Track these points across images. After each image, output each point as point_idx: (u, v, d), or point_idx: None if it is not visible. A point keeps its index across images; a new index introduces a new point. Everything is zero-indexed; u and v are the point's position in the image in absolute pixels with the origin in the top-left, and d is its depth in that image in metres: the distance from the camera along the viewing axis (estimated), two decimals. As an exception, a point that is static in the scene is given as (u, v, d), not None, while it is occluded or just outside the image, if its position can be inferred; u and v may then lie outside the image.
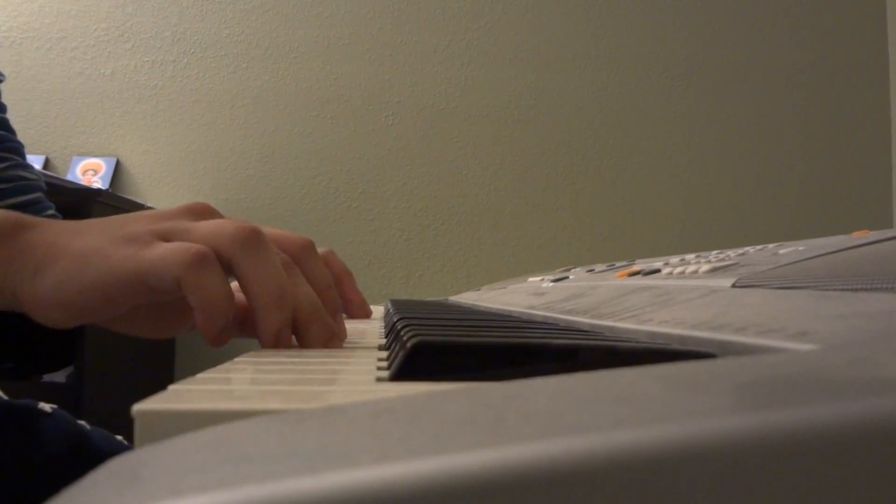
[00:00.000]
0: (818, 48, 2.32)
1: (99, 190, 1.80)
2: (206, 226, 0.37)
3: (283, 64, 2.27)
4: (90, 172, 2.20)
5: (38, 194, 0.83)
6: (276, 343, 0.37)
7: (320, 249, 0.48)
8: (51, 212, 0.84)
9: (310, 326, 0.38)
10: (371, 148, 2.26)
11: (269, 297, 0.36)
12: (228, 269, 0.37)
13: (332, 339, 0.39)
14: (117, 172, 2.23)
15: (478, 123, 2.28)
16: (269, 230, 0.41)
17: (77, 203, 1.64)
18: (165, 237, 0.37)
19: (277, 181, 2.24)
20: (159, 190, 2.24)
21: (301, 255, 0.42)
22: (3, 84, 0.84)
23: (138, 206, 1.96)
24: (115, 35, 2.27)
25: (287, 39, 2.28)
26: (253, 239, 0.37)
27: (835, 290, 0.28)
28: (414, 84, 2.28)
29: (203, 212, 0.40)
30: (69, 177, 2.16)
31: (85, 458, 0.68)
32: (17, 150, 0.84)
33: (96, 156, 2.23)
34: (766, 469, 0.11)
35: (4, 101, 0.85)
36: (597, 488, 0.11)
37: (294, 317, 0.38)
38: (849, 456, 0.11)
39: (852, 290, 0.27)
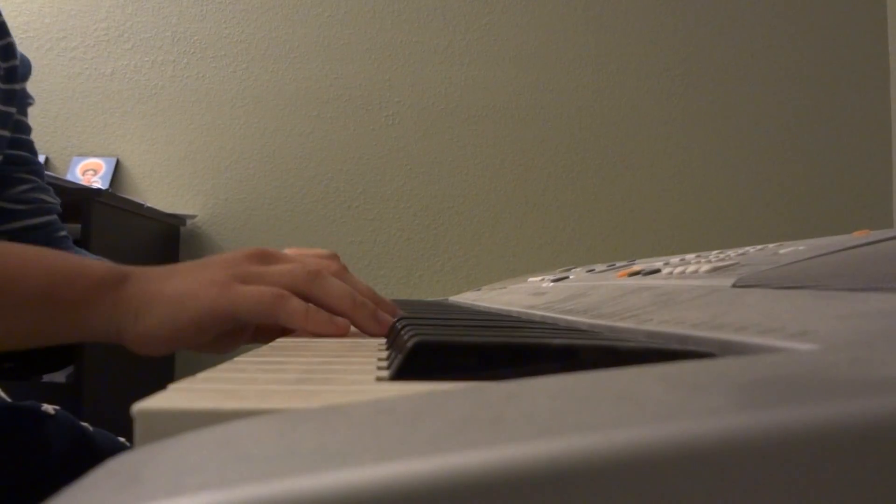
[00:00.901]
0: (818, 48, 2.32)
1: (99, 190, 1.80)
2: (278, 269, 0.48)
3: (283, 64, 2.27)
4: (90, 172, 2.20)
5: (54, 216, 0.87)
6: (378, 325, 0.47)
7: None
8: (63, 233, 0.88)
9: (378, 305, 0.49)
10: (371, 148, 2.26)
11: (349, 303, 0.47)
12: (309, 300, 0.47)
13: (379, 314, 0.49)
14: (117, 172, 2.23)
15: (478, 123, 2.28)
16: (297, 251, 0.52)
17: (77, 203, 1.64)
18: (244, 280, 0.46)
19: (277, 181, 2.24)
20: (159, 190, 2.24)
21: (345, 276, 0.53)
22: (29, 105, 0.86)
23: (138, 207, 1.96)
24: (115, 35, 2.27)
25: (287, 39, 2.28)
26: (316, 274, 0.48)
27: (835, 290, 0.28)
28: (414, 84, 2.28)
29: (266, 256, 0.50)
30: (69, 177, 2.15)
31: (88, 459, 0.68)
32: (39, 172, 0.88)
33: (96, 156, 2.23)
34: (766, 468, 0.11)
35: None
36: (597, 487, 0.11)
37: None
38: (849, 455, 0.11)
39: (852, 290, 0.27)
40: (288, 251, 0.58)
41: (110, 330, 0.47)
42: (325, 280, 0.47)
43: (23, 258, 0.49)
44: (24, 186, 0.84)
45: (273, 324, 0.55)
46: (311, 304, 0.46)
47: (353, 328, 0.50)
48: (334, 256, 0.60)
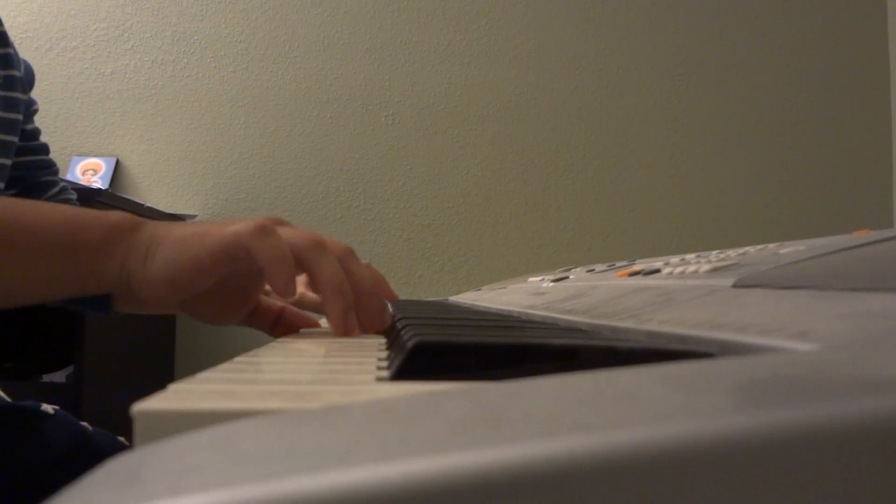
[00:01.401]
0: (818, 48, 2.32)
1: (99, 190, 1.80)
2: (285, 230, 0.47)
3: (283, 64, 2.27)
4: (90, 172, 2.20)
5: None
6: (344, 324, 0.46)
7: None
8: None
9: (367, 297, 0.48)
10: (371, 148, 2.26)
11: (333, 286, 0.46)
12: (301, 267, 0.47)
13: (385, 312, 0.49)
14: (117, 172, 2.23)
15: (478, 123, 2.28)
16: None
17: (77, 203, 1.64)
18: (246, 223, 0.46)
19: (277, 181, 2.24)
20: (159, 190, 2.24)
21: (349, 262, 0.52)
22: (35, 112, 0.90)
23: (138, 206, 1.96)
24: (115, 35, 2.27)
25: (287, 39, 2.28)
26: (319, 245, 0.47)
27: (835, 290, 0.28)
28: (414, 84, 2.28)
29: (279, 221, 0.49)
30: (69, 177, 2.15)
31: (88, 458, 0.68)
32: (57, 172, 0.92)
33: (96, 155, 2.23)
34: (766, 468, 0.11)
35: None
36: (597, 488, 0.11)
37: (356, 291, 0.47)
38: (849, 455, 0.11)
39: (852, 290, 0.27)
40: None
41: (122, 276, 0.48)
42: (325, 255, 0.47)
43: (40, 208, 0.51)
44: (53, 190, 0.89)
45: (268, 303, 0.56)
46: (288, 252, 0.45)
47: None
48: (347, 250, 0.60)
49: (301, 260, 0.47)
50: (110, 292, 0.50)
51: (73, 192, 0.92)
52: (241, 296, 0.55)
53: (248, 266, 0.47)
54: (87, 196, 1.70)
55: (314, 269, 0.47)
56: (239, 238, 0.45)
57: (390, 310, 0.52)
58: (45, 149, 0.90)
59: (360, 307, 0.48)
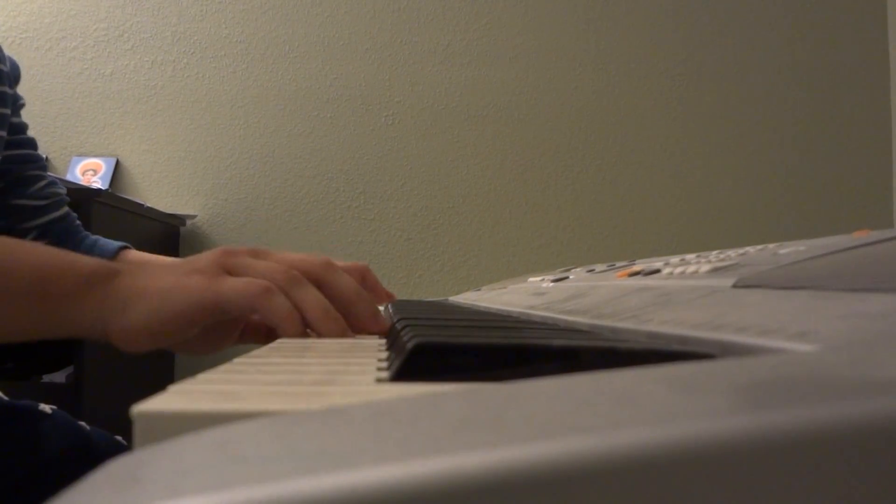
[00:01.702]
0: (818, 48, 2.32)
1: (98, 190, 1.80)
2: (262, 265, 0.48)
3: (283, 64, 2.27)
4: (90, 172, 2.20)
5: (67, 208, 0.92)
6: (335, 327, 0.47)
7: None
8: (77, 222, 0.93)
9: (356, 308, 0.49)
10: (371, 148, 2.26)
11: (318, 315, 0.46)
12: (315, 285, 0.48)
13: (378, 315, 0.50)
14: (117, 172, 2.23)
15: (478, 123, 2.28)
16: (291, 255, 0.52)
17: (77, 203, 1.64)
18: (230, 272, 0.47)
19: (277, 181, 2.24)
20: (159, 190, 2.24)
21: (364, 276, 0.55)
22: (21, 106, 0.90)
23: (138, 206, 1.96)
24: (115, 35, 2.27)
25: (287, 39, 2.28)
26: (294, 277, 0.47)
27: (835, 290, 0.28)
28: (414, 84, 2.28)
29: (257, 253, 0.50)
30: (69, 177, 2.15)
31: (85, 458, 0.68)
32: (45, 167, 0.92)
33: (96, 156, 2.23)
34: (766, 469, 0.11)
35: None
36: (597, 489, 0.11)
37: (340, 306, 0.48)
38: (849, 456, 0.11)
39: (852, 290, 0.27)
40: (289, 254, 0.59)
41: (97, 325, 0.47)
42: (301, 285, 0.47)
43: (13, 253, 0.49)
44: (41, 183, 0.89)
45: (257, 320, 0.56)
46: (293, 308, 0.46)
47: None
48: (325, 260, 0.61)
49: (315, 279, 0.48)
50: (86, 338, 0.49)
51: (62, 186, 0.92)
52: (226, 328, 0.55)
53: (243, 315, 0.48)
54: (87, 196, 1.70)
55: (298, 303, 0.47)
56: (240, 298, 0.45)
57: (383, 310, 0.53)
58: (31, 143, 0.90)
59: (349, 316, 0.49)
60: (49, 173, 0.92)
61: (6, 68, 0.82)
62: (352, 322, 0.49)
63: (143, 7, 2.27)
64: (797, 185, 2.29)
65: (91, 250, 0.86)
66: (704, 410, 0.12)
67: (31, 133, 0.91)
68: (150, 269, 0.49)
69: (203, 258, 0.48)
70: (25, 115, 0.93)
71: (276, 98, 2.26)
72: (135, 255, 0.87)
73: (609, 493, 0.11)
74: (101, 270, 0.48)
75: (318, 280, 0.49)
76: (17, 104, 0.87)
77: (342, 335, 0.47)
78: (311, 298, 0.47)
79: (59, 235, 0.88)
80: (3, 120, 0.81)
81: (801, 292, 0.30)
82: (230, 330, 0.56)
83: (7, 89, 0.82)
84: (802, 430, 0.11)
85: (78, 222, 0.92)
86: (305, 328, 0.47)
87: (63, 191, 0.91)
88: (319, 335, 0.47)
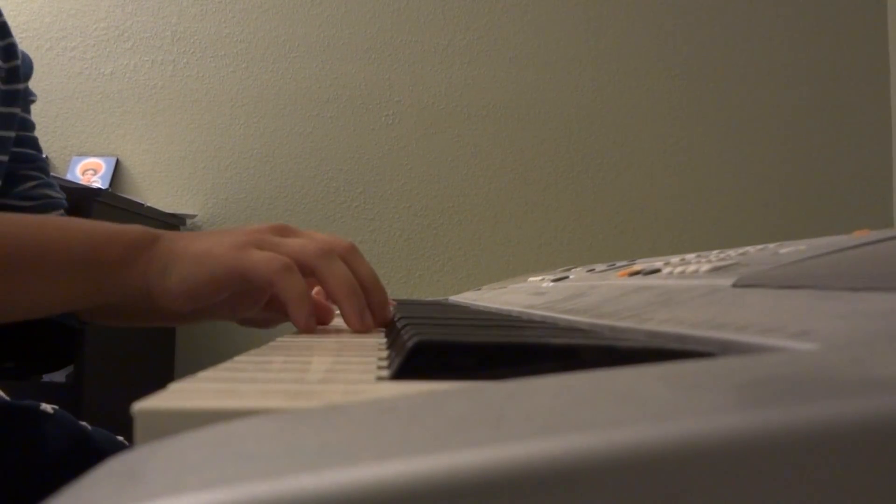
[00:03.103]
0: (818, 48, 2.32)
1: (99, 189, 1.80)
2: (293, 242, 0.51)
3: (283, 64, 2.27)
4: (90, 172, 2.20)
5: (60, 212, 0.88)
6: (361, 323, 0.49)
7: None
8: None
9: (373, 293, 0.52)
10: (371, 148, 2.26)
11: (345, 290, 0.49)
12: (310, 275, 0.50)
13: (387, 308, 0.53)
14: (117, 172, 2.22)
15: (478, 123, 2.28)
16: (314, 234, 0.55)
17: (77, 203, 1.64)
18: (259, 246, 0.50)
19: (277, 181, 2.24)
20: (159, 189, 2.24)
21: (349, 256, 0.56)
22: (32, 102, 0.87)
23: (138, 206, 1.96)
24: (115, 34, 2.27)
25: (287, 39, 2.28)
26: (326, 252, 0.51)
27: (835, 289, 0.28)
28: (414, 84, 2.28)
29: (286, 230, 0.54)
30: (69, 176, 2.15)
31: (87, 458, 0.68)
32: (45, 168, 0.89)
33: (96, 155, 2.23)
34: (766, 468, 0.11)
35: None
36: (597, 487, 0.11)
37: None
38: (849, 455, 0.11)
39: (852, 289, 0.27)
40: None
41: (143, 288, 0.51)
42: (333, 261, 0.50)
43: (62, 225, 0.53)
44: (31, 183, 0.86)
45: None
46: (308, 291, 0.49)
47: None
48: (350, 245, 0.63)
49: (310, 268, 0.50)
50: (134, 302, 0.53)
51: (58, 190, 0.89)
52: (253, 297, 0.58)
53: (264, 287, 0.50)
54: (87, 196, 1.70)
55: (325, 276, 0.50)
56: (261, 271, 0.48)
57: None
58: (31, 142, 0.87)
59: (367, 303, 0.51)
60: (47, 176, 0.89)
61: (19, 63, 0.80)
62: (366, 325, 0.51)
63: (143, 7, 2.27)
64: (797, 185, 2.29)
65: None
66: (704, 408, 0.12)
67: (38, 131, 0.89)
68: (187, 236, 0.53)
69: (238, 231, 0.51)
70: None
71: (276, 98, 2.26)
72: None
73: (609, 491, 0.11)
74: (144, 236, 0.52)
75: (344, 260, 0.52)
76: (27, 99, 0.86)
77: (361, 314, 0.49)
78: (340, 272, 0.50)
79: None
80: (13, 120, 0.80)
81: (802, 291, 0.30)
82: (256, 299, 0.59)
83: (18, 86, 0.81)
84: (803, 428, 0.11)
85: None
86: (312, 314, 0.49)
87: (59, 195, 0.89)
88: (341, 312, 0.50)
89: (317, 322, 0.61)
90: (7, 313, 0.53)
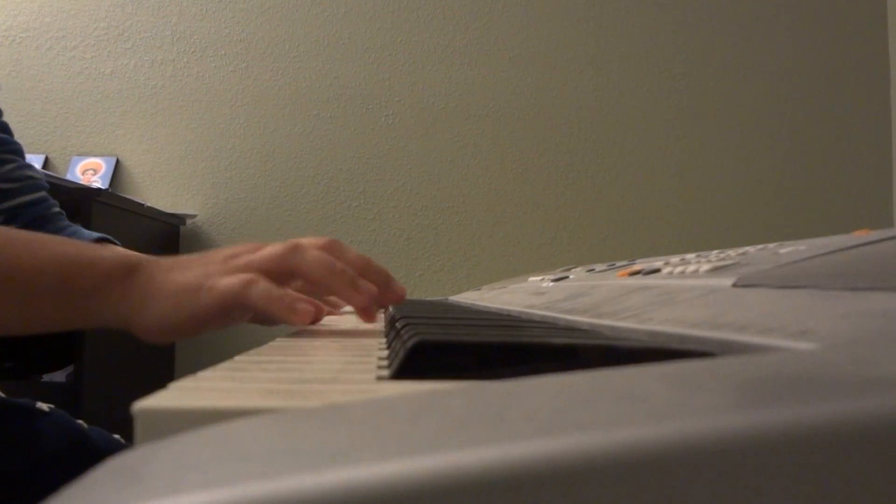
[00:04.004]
0: (818, 48, 2.32)
1: (99, 189, 1.80)
2: (259, 254, 0.49)
3: (283, 64, 2.27)
4: (90, 172, 2.20)
5: (44, 193, 0.87)
6: (359, 292, 0.48)
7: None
8: (57, 209, 0.88)
9: (369, 275, 0.50)
10: (371, 148, 2.26)
11: (325, 271, 0.47)
12: (290, 276, 0.49)
13: (391, 281, 0.51)
14: (117, 172, 2.22)
15: (478, 123, 2.28)
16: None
17: (77, 203, 1.64)
18: (229, 272, 0.48)
19: (277, 181, 2.24)
20: (159, 189, 2.24)
21: (334, 249, 0.54)
22: (1, 80, 0.85)
23: (138, 206, 1.96)
24: (115, 34, 2.27)
25: (287, 39, 2.28)
26: (294, 248, 0.48)
27: (835, 289, 0.28)
28: (414, 84, 2.28)
29: (260, 246, 0.51)
30: (69, 176, 2.15)
31: (83, 456, 0.68)
32: (19, 151, 0.88)
33: (96, 155, 2.23)
34: (766, 468, 0.11)
35: (3, 102, 0.86)
36: (597, 486, 0.11)
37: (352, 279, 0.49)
38: (849, 455, 0.11)
39: (852, 289, 0.27)
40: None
41: (118, 319, 0.49)
42: (303, 251, 0.48)
43: (34, 248, 0.50)
44: (10, 165, 0.84)
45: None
46: (280, 289, 0.46)
47: (353, 329, 0.50)
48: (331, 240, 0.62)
49: (286, 269, 0.48)
50: (110, 328, 0.51)
51: (38, 171, 0.87)
52: (234, 316, 0.57)
53: (247, 311, 0.49)
54: (88, 196, 1.70)
55: (301, 268, 0.48)
56: (232, 295, 0.46)
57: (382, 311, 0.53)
58: (3, 127, 0.86)
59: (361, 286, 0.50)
60: (23, 159, 0.87)
61: None
62: (364, 294, 0.49)
63: (142, 6, 2.27)
64: (797, 185, 2.29)
65: None
66: (704, 408, 0.12)
67: (27, 127, 0.88)
68: (164, 266, 0.50)
69: (210, 259, 0.50)
70: (25, 115, 0.90)
71: (276, 98, 2.26)
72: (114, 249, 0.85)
73: (609, 491, 0.11)
74: (120, 268, 0.49)
75: (324, 250, 0.50)
76: None
77: (355, 288, 0.47)
78: (313, 258, 0.48)
79: (30, 221, 0.85)
80: None
81: (802, 291, 0.30)
82: (238, 318, 0.58)
83: None
84: (803, 428, 0.11)
85: (56, 210, 0.88)
86: (293, 303, 0.47)
87: (39, 175, 0.87)
88: (335, 294, 0.48)
89: (309, 318, 0.59)
90: None
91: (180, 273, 0.49)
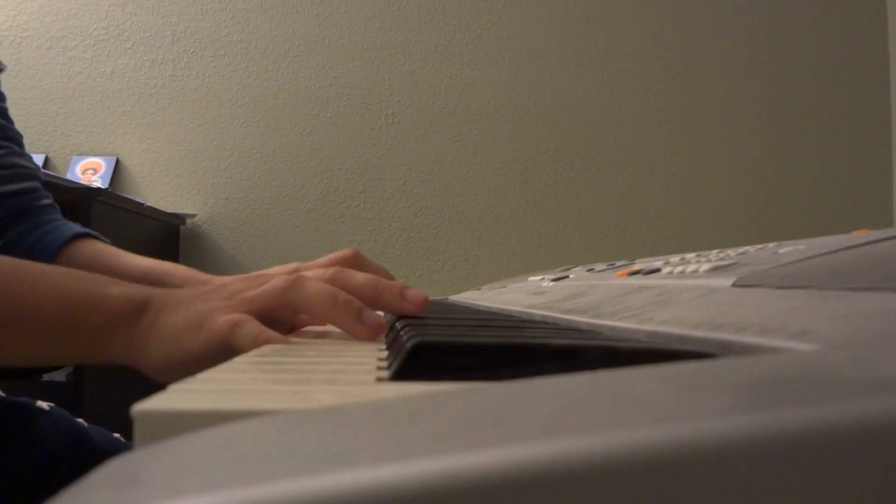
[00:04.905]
0: (818, 48, 2.32)
1: (99, 189, 1.80)
2: (263, 289, 0.48)
3: (283, 63, 2.27)
4: (90, 171, 2.20)
5: (35, 183, 0.84)
6: (364, 325, 0.45)
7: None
8: (47, 201, 0.84)
9: (381, 295, 0.49)
10: (371, 148, 2.26)
11: (327, 306, 0.46)
12: (294, 312, 0.48)
13: (406, 292, 0.49)
14: (117, 171, 2.22)
15: (478, 123, 2.28)
16: (316, 262, 0.53)
17: (77, 202, 1.64)
18: (228, 309, 0.47)
19: (277, 180, 2.24)
20: (159, 189, 2.24)
21: (351, 262, 0.54)
22: (2, 76, 0.84)
23: (138, 206, 1.96)
24: (115, 34, 2.27)
25: (287, 39, 2.28)
26: (293, 281, 0.47)
27: (835, 289, 0.28)
28: (414, 84, 2.28)
29: (258, 276, 0.51)
30: (69, 176, 2.15)
31: (82, 455, 0.68)
32: (16, 139, 0.84)
33: (96, 155, 2.23)
34: (766, 469, 0.11)
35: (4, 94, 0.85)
36: (597, 488, 0.11)
37: (365, 299, 0.48)
38: (849, 456, 0.11)
39: (852, 289, 0.27)
40: (312, 263, 0.60)
41: (125, 358, 0.49)
42: (303, 286, 0.47)
43: (38, 283, 0.50)
44: (0, 151, 0.81)
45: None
46: (266, 333, 0.45)
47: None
48: (350, 253, 0.60)
49: (287, 303, 0.47)
50: (119, 364, 0.51)
51: (31, 161, 0.84)
52: (232, 353, 0.56)
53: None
54: (88, 195, 1.70)
55: (303, 304, 0.47)
56: (221, 336, 0.45)
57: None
58: (1, 112, 0.83)
59: (379, 304, 0.49)
60: (19, 147, 0.84)
61: None
62: (385, 307, 0.49)
63: (142, 6, 2.27)
64: (797, 185, 2.29)
65: (45, 236, 0.80)
66: (704, 410, 0.12)
67: (27, 127, 0.85)
68: (171, 302, 0.49)
69: (214, 294, 0.49)
70: (25, 114, 0.88)
71: (276, 97, 2.26)
72: (95, 247, 0.81)
73: (609, 493, 0.11)
74: (125, 307, 0.49)
75: (335, 280, 0.49)
76: None
77: (357, 319, 0.45)
78: (312, 292, 0.46)
79: (13, 211, 0.81)
80: None
81: (801, 291, 0.30)
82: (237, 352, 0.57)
83: None
84: (803, 429, 0.11)
85: (47, 202, 0.84)
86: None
87: (32, 166, 0.84)
88: (340, 328, 0.47)
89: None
90: None
91: (184, 311, 0.48)
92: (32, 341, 0.48)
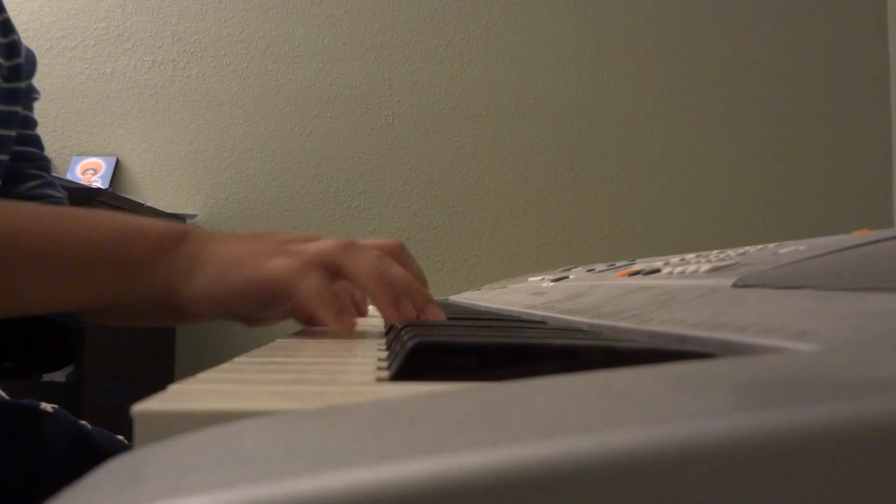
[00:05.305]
0: (818, 48, 2.32)
1: (99, 189, 1.80)
2: (315, 244, 0.48)
3: (283, 64, 2.27)
4: (90, 172, 2.20)
5: None
6: (398, 311, 0.47)
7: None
8: None
9: (408, 294, 0.49)
10: (371, 148, 2.26)
11: (372, 278, 0.47)
12: (338, 274, 0.48)
13: (428, 307, 0.49)
14: (117, 172, 2.22)
15: (478, 123, 2.28)
16: (366, 240, 0.53)
17: (77, 203, 1.64)
18: (282, 254, 0.47)
19: (277, 181, 2.24)
20: (159, 189, 2.24)
21: (396, 254, 0.54)
22: (35, 99, 0.85)
23: (138, 206, 1.96)
24: (115, 34, 2.27)
25: (287, 39, 2.28)
26: (348, 246, 0.48)
27: (835, 290, 0.28)
28: (414, 84, 2.28)
29: (311, 237, 0.51)
30: (69, 176, 2.15)
31: (86, 457, 0.68)
32: (46, 167, 0.87)
33: (96, 155, 2.23)
34: (766, 469, 0.11)
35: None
36: (597, 488, 0.11)
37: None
38: (849, 456, 0.11)
39: (852, 290, 0.27)
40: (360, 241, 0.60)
41: (166, 289, 0.49)
42: (357, 252, 0.47)
43: (87, 220, 0.51)
44: (33, 183, 0.84)
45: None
46: (331, 289, 0.46)
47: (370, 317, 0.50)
48: (397, 245, 0.60)
49: (335, 265, 0.47)
50: (152, 301, 0.51)
51: (61, 190, 0.87)
52: (276, 302, 0.56)
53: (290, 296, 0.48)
54: (88, 195, 1.70)
55: (348, 268, 0.47)
56: (280, 278, 0.45)
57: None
58: (34, 140, 0.85)
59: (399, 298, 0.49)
60: (49, 175, 0.87)
61: (22, 61, 0.78)
62: (401, 315, 0.49)
63: (143, 6, 2.27)
64: (797, 185, 2.29)
65: None
66: (705, 410, 0.12)
67: (38, 131, 0.86)
68: (216, 237, 0.50)
69: (266, 237, 0.50)
70: None
71: (276, 98, 2.26)
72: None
73: (609, 493, 0.11)
74: (170, 234, 0.50)
75: (382, 253, 0.50)
76: (30, 97, 0.84)
77: (394, 302, 0.47)
78: (364, 262, 0.47)
79: None
80: (14, 118, 0.78)
81: (802, 292, 0.30)
82: (278, 305, 0.56)
83: (20, 84, 0.78)
84: (803, 429, 0.11)
85: None
86: (341, 312, 0.46)
87: (62, 194, 0.87)
88: (375, 304, 0.47)
89: (349, 330, 0.55)
90: (17, 307, 0.51)
91: (231, 246, 0.49)
92: (80, 277, 0.49)
